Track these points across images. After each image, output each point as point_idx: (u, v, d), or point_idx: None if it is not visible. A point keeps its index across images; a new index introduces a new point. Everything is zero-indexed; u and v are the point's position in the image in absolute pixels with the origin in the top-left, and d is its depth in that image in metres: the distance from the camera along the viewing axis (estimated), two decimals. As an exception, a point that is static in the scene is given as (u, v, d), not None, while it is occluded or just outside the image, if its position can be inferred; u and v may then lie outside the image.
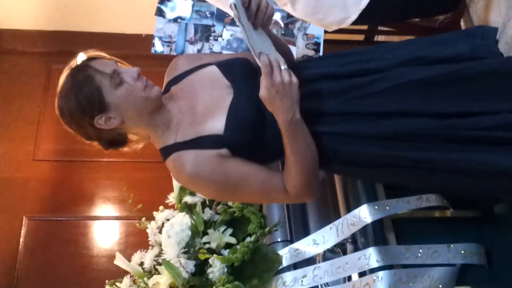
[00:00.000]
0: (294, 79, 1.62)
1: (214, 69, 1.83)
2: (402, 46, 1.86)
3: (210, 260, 2.35)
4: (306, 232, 2.34)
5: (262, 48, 1.64)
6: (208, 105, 1.77)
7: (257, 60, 1.60)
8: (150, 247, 2.59)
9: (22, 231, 3.48)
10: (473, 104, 1.70)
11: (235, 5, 1.56)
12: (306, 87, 1.77)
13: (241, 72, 1.68)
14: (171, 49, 3.00)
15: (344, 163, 1.81)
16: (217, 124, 1.73)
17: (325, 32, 2.93)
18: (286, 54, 1.97)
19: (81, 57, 1.75)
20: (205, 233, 2.49)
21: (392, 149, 1.70)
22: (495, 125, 1.66)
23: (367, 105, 1.72)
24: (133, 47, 3.82)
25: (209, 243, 2.45)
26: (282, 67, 1.61)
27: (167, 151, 1.78)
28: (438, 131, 1.68)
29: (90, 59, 1.74)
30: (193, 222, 2.49)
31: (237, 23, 1.61)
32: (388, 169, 1.77)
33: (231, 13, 1.58)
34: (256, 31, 1.72)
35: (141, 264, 2.53)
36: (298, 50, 2.93)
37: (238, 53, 1.67)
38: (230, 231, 2.49)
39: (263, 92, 1.61)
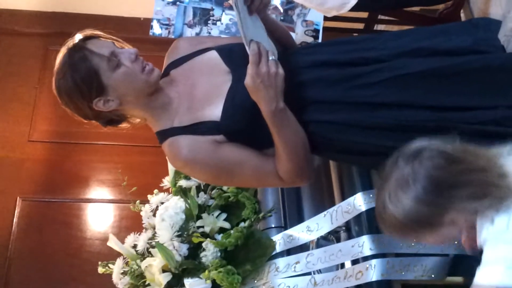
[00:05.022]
0: (281, 70, 1.63)
1: (214, 54, 1.83)
2: (404, 35, 1.85)
3: (203, 244, 2.35)
4: (300, 219, 2.34)
5: (255, 35, 1.64)
6: (207, 91, 1.77)
7: (247, 48, 1.60)
8: (144, 230, 2.60)
9: (16, 212, 3.47)
10: (471, 98, 1.69)
11: None
12: (305, 74, 1.77)
13: (241, 58, 1.68)
14: (169, 32, 2.98)
15: (340, 151, 1.81)
16: (214, 111, 1.73)
17: (325, 19, 2.92)
18: (286, 39, 1.96)
19: (77, 37, 1.74)
20: (199, 217, 2.49)
21: (388, 140, 1.70)
22: (493, 120, 1.66)
23: (365, 95, 1.72)
24: (131, 30, 3.79)
25: (203, 227, 2.46)
26: (270, 58, 1.61)
27: (163, 134, 1.78)
28: (435, 123, 1.67)
29: (86, 38, 1.74)
30: (187, 206, 2.49)
31: (234, 8, 1.61)
32: (383, 158, 1.77)
33: None
34: (251, 16, 1.71)
35: (134, 246, 2.54)
36: (297, 36, 2.92)
37: (239, 37, 1.66)
38: (224, 215, 2.50)
39: (248, 80, 1.62)
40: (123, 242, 2.59)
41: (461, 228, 1.36)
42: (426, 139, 1.40)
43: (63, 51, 1.73)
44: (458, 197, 1.31)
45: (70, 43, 1.74)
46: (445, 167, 1.33)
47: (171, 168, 2.69)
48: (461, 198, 1.31)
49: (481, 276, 1.33)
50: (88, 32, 1.76)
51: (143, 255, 2.49)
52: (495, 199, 1.30)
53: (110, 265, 2.56)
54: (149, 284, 2.44)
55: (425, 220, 1.35)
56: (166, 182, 2.74)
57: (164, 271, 2.38)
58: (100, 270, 2.58)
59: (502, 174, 1.34)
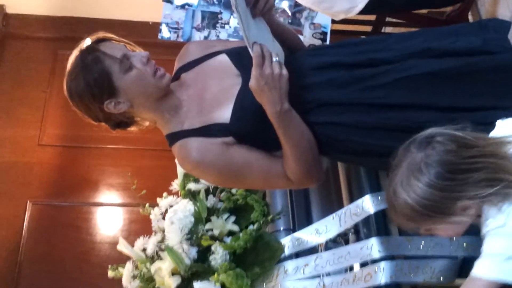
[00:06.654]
0: (284, 72, 1.63)
1: (224, 57, 1.84)
2: (413, 36, 1.85)
3: (212, 247, 2.36)
4: (308, 221, 2.34)
5: (258, 38, 1.64)
6: (217, 94, 1.78)
7: (250, 50, 1.61)
8: (153, 233, 2.60)
9: (26, 216, 3.49)
10: (481, 99, 1.69)
11: None
12: (314, 76, 1.77)
13: (250, 61, 1.68)
14: (178, 36, 2.99)
15: (347, 152, 1.82)
16: (224, 113, 1.74)
17: (333, 22, 2.92)
18: (294, 41, 1.97)
19: (90, 39, 1.76)
20: (208, 220, 2.49)
21: (397, 141, 1.69)
22: None
23: (374, 96, 1.72)
24: (140, 34, 3.80)
25: (212, 230, 2.46)
26: (274, 59, 1.62)
27: (173, 137, 1.79)
28: (443, 124, 1.67)
29: (99, 41, 1.75)
30: (196, 209, 2.50)
31: (234, 11, 1.62)
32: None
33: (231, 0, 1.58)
34: (255, 19, 1.72)
35: (144, 249, 2.54)
36: (305, 39, 2.92)
37: (248, 40, 1.66)
38: (233, 218, 2.50)
39: (252, 83, 1.62)
40: (132, 246, 2.59)
41: (471, 216, 1.36)
42: (437, 126, 1.40)
43: (75, 53, 1.75)
44: (470, 182, 1.31)
45: (83, 45, 1.75)
46: (457, 152, 1.33)
47: (180, 171, 2.69)
48: (474, 183, 1.31)
49: (478, 268, 1.34)
50: (101, 34, 1.78)
51: (152, 258, 2.49)
52: (506, 185, 1.30)
53: (120, 269, 2.56)
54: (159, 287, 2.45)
55: (438, 206, 1.34)
56: (175, 185, 2.74)
57: (173, 274, 2.38)
58: (110, 273, 2.59)
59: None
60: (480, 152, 1.33)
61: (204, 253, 2.40)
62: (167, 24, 3.01)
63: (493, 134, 1.47)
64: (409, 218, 1.40)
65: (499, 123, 1.52)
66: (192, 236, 2.42)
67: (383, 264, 1.99)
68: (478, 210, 1.35)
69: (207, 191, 2.60)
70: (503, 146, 1.37)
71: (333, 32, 3.01)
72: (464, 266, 2.06)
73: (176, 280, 2.36)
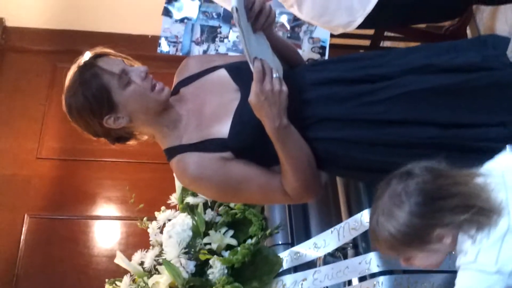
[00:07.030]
0: (284, 88, 1.63)
1: (223, 72, 1.84)
2: (412, 52, 1.85)
3: (210, 261, 2.35)
4: (307, 236, 2.34)
5: (259, 53, 1.65)
6: (215, 109, 1.78)
7: (251, 65, 1.61)
8: (151, 247, 2.59)
9: (24, 229, 3.47)
10: (479, 116, 1.69)
11: (236, 9, 1.56)
12: (314, 91, 1.77)
13: (249, 76, 1.68)
14: (177, 49, 3.00)
15: (345, 167, 1.81)
16: (222, 128, 1.74)
17: (331, 36, 2.93)
18: (293, 56, 1.97)
19: (88, 55, 1.76)
20: (206, 234, 2.49)
21: (395, 156, 1.70)
22: (501, 137, 1.65)
23: (373, 112, 1.72)
24: (139, 48, 3.79)
25: (210, 244, 2.45)
26: (274, 75, 1.62)
27: (172, 152, 1.79)
28: (443, 140, 1.67)
29: (97, 56, 1.75)
30: (194, 222, 2.49)
31: (236, 27, 1.62)
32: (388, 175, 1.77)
33: (234, 15, 1.58)
34: (255, 34, 1.72)
35: (142, 263, 2.53)
36: (304, 53, 2.93)
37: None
38: (231, 232, 2.49)
39: (252, 98, 1.62)
40: (130, 259, 2.59)
41: (448, 245, 1.45)
42: (415, 161, 1.50)
43: (73, 68, 1.75)
44: (446, 208, 1.40)
45: (81, 61, 1.75)
46: (434, 181, 1.44)
47: (178, 185, 2.69)
48: (449, 210, 1.40)
49: None
50: (98, 50, 1.78)
51: (150, 272, 2.49)
52: (478, 212, 1.39)
53: (117, 282, 2.55)
54: (156, 301, 2.44)
55: (417, 234, 1.43)
56: (173, 199, 2.74)
57: (171, 288, 2.38)
58: (107, 287, 2.58)
59: (484, 188, 1.43)
60: (454, 181, 1.44)
61: (202, 267, 2.40)
62: (166, 38, 3.02)
63: (487, 166, 1.53)
64: (390, 246, 1.49)
65: (508, 151, 1.58)
66: (190, 250, 2.41)
67: (381, 278, 1.99)
68: (454, 239, 1.44)
69: (205, 205, 2.60)
70: (475, 177, 1.45)
71: (331, 46, 3.02)
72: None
73: (174, 294, 2.36)
